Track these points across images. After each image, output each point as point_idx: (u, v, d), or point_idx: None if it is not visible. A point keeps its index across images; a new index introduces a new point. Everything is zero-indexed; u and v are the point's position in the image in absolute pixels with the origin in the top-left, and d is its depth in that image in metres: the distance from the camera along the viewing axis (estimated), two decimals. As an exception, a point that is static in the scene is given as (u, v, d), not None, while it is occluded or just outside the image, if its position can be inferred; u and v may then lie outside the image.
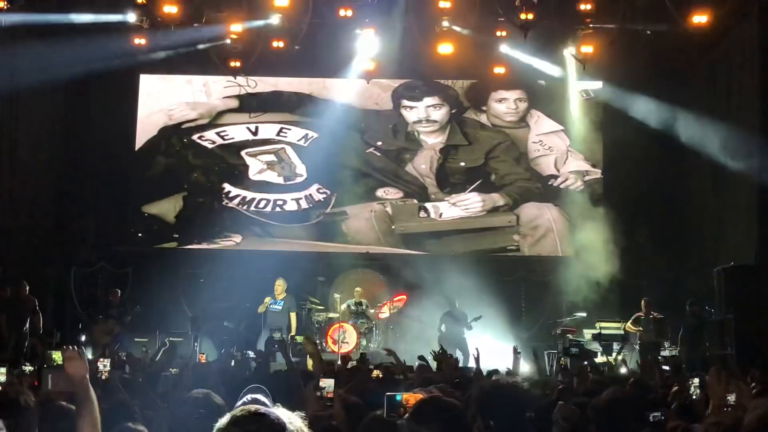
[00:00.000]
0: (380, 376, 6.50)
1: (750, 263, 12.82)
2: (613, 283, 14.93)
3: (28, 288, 12.99)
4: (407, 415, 3.23)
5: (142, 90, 16.55)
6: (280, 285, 14.07)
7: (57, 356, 4.53)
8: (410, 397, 3.62)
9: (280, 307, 13.91)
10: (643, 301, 13.80)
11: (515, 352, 7.65)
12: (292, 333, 13.75)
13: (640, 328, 13.70)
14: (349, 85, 16.37)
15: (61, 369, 3.53)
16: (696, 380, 5.58)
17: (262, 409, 2.25)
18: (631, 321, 13.83)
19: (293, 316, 14.03)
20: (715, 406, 4.07)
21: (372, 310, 14.94)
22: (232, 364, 9.90)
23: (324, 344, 14.03)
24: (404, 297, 15.16)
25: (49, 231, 15.89)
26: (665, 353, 11.61)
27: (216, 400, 3.59)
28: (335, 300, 14.95)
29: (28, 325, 12.85)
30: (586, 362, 9.80)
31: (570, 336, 13.99)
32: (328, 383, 4.99)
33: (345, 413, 4.24)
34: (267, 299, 13.97)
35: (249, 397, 3.99)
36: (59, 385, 3.57)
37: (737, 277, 12.65)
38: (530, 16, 13.38)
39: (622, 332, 13.72)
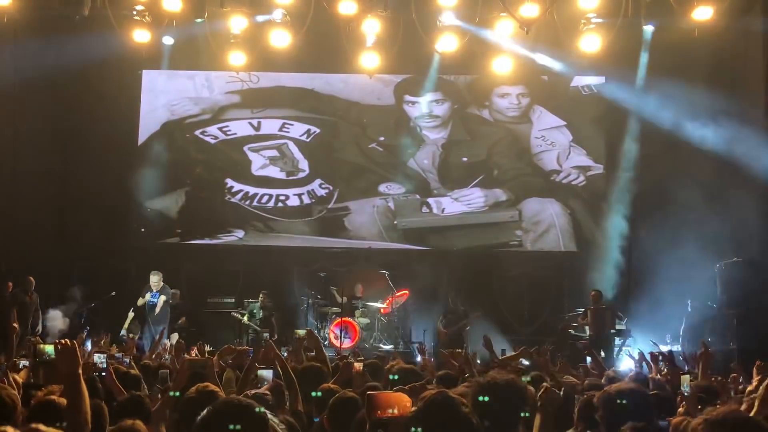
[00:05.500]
0: (360, 370, 6.31)
1: (754, 258, 12.79)
2: (616, 278, 14.92)
3: (33, 284, 13.04)
4: (413, 412, 3.00)
5: (144, 85, 16.57)
6: (155, 277, 13.94)
7: (50, 350, 4.54)
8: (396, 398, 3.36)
9: (156, 299, 13.79)
10: (591, 293, 13.56)
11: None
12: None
13: (587, 321, 13.33)
14: (351, 80, 16.39)
15: (53, 363, 3.53)
16: (687, 376, 5.54)
17: (244, 400, 2.25)
18: (581, 315, 13.53)
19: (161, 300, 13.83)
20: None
21: (373, 306, 14.93)
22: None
23: (326, 339, 14.04)
24: (406, 292, 15.15)
25: (51, 226, 15.92)
26: (664, 348, 11.53)
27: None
28: (335, 295, 14.94)
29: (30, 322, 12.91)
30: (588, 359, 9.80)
31: (572, 332, 13.99)
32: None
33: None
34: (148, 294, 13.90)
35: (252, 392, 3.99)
36: (50, 379, 3.57)
37: (740, 272, 12.62)
38: (533, 11, 13.33)
39: (624, 327, 13.68)
